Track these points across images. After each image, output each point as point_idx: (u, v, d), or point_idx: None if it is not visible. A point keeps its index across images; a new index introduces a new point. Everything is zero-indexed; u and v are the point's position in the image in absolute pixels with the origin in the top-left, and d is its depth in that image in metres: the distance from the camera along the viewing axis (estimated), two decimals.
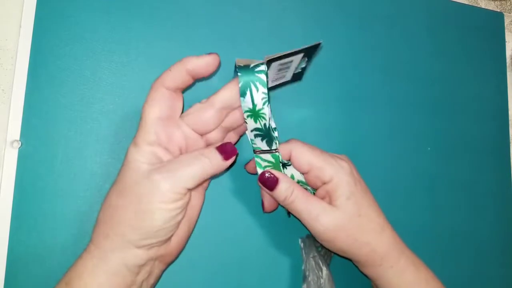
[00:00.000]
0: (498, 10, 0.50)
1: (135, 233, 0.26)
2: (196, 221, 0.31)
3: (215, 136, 0.30)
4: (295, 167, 0.32)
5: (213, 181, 0.35)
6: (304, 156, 0.31)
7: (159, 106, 0.27)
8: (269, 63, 0.29)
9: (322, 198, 0.31)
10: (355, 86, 0.41)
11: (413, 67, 0.44)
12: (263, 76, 0.28)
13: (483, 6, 0.49)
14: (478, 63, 0.47)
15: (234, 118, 0.30)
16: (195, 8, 0.37)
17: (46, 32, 0.32)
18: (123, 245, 0.26)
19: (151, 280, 0.29)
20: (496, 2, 0.50)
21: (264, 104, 0.28)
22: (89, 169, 0.32)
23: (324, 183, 0.31)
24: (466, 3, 0.48)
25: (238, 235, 0.35)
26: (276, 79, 0.33)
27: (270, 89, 0.32)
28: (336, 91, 0.40)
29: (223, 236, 0.35)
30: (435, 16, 0.46)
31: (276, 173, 0.31)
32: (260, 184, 0.31)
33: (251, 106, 0.28)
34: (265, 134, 0.30)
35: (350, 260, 0.33)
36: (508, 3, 0.51)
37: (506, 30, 0.49)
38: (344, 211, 0.30)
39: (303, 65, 0.33)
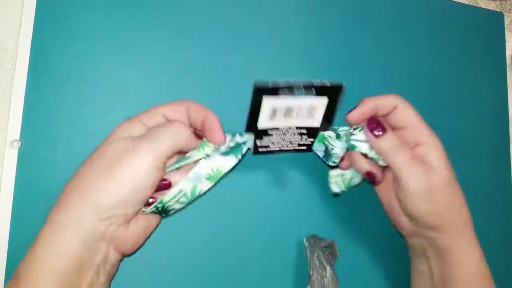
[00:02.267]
0: (498, 10, 0.50)
1: (106, 199, 0.25)
2: (158, 222, 0.31)
3: None
4: (394, 121, 0.32)
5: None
6: (408, 112, 0.32)
7: (180, 142, 0.28)
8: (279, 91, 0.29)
9: None
10: (355, 86, 0.41)
11: (413, 67, 0.44)
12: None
13: (483, 6, 0.49)
14: (478, 63, 0.47)
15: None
16: (195, 8, 0.37)
17: (46, 32, 0.32)
18: (85, 215, 0.25)
19: (108, 267, 0.28)
20: (496, 2, 0.50)
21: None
22: None
23: (417, 145, 0.32)
24: (466, 3, 0.48)
25: (243, 234, 0.35)
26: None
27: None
28: None
29: (227, 235, 0.35)
30: (435, 16, 0.46)
31: (384, 123, 0.32)
32: (366, 129, 0.32)
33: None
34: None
35: (415, 223, 0.32)
36: (508, 3, 0.51)
37: (506, 30, 0.49)
38: (442, 174, 0.31)
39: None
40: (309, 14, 0.40)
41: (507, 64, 0.48)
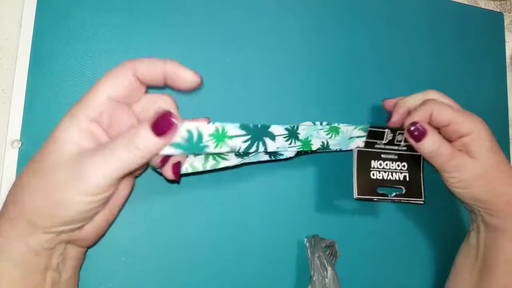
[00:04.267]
0: (498, 10, 0.50)
1: (45, 221, 0.23)
2: (120, 207, 0.29)
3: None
4: (434, 123, 0.33)
5: (218, 180, 0.35)
6: (445, 113, 0.33)
7: (117, 87, 0.25)
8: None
9: (459, 150, 0.33)
10: (355, 86, 0.41)
11: (413, 67, 0.44)
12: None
13: (483, 6, 0.50)
14: (478, 63, 0.47)
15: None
16: (195, 8, 0.37)
17: (46, 32, 0.32)
18: (29, 231, 0.23)
19: (69, 262, 0.27)
20: (496, 2, 0.51)
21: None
22: None
23: (462, 136, 0.33)
24: (466, 3, 0.48)
25: (243, 234, 0.35)
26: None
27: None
28: (335, 91, 0.40)
29: (228, 235, 0.35)
30: (435, 16, 0.46)
31: (425, 125, 0.32)
32: (407, 134, 0.33)
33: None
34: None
35: (477, 209, 0.34)
36: (508, 3, 0.51)
37: (506, 30, 0.49)
38: (484, 162, 0.32)
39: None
40: (309, 14, 0.40)
41: (507, 64, 0.48)
